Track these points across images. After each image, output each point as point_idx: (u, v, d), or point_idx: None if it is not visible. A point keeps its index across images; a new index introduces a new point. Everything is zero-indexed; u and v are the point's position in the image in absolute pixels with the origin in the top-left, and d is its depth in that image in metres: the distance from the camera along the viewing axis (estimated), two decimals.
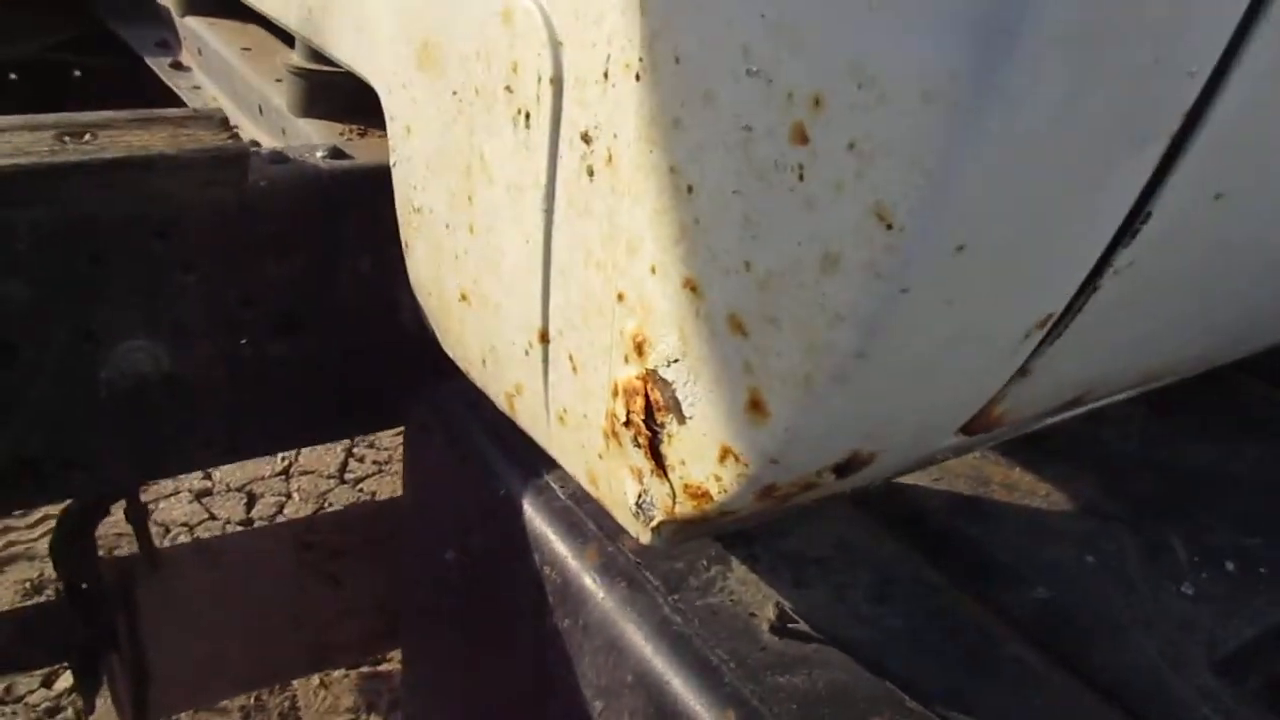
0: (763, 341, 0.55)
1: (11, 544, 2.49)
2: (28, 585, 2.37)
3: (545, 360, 0.76)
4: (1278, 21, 0.50)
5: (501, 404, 0.87)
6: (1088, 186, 0.50)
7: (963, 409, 0.63)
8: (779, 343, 0.54)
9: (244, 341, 1.06)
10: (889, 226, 0.47)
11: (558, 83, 0.68)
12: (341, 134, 1.23)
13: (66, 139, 0.99)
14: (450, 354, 0.94)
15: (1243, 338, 0.91)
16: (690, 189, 0.58)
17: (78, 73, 1.92)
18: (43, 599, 2.21)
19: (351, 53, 1.00)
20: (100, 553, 1.48)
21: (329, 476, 2.62)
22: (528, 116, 0.71)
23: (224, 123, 1.05)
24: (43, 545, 2.29)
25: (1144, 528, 0.95)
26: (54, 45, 1.85)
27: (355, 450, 2.76)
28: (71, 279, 0.96)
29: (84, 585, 1.41)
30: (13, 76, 1.87)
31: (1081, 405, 0.78)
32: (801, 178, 0.50)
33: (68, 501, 1.37)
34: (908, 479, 0.96)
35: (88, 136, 1.00)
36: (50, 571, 1.68)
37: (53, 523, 1.46)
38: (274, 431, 1.13)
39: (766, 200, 0.53)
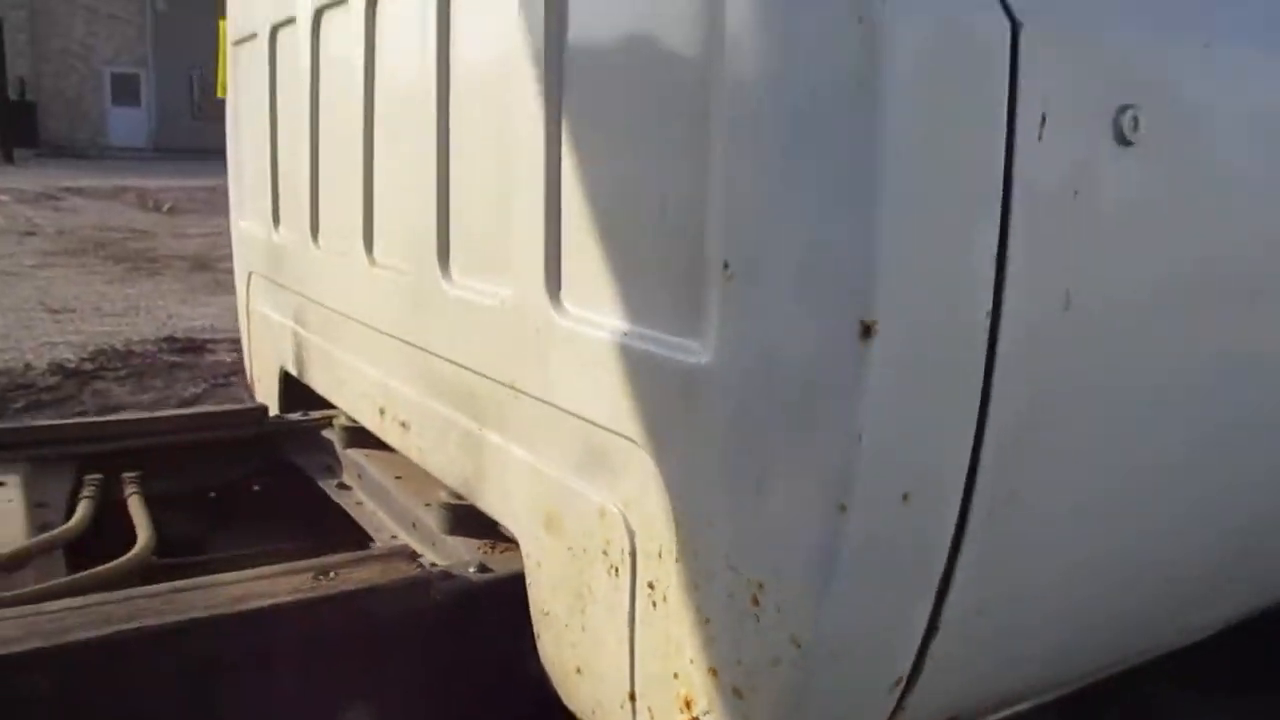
0: (751, 703, 1.07)
1: None
2: None
3: (633, 712, 1.27)
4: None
5: None
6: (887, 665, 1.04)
7: None
8: (757, 705, 1.06)
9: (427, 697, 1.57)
10: (798, 647, 1.00)
11: (634, 554, 1.24)
12: (479, 548, 1.79)
13: (319, 577, 1.56)
14: (569, 706, 1.45)
15: (1088, 670, 1.39)
16: (708, 620, 1.11)
17: (256, 487, 2.55)
18: None
19: (498, 512, 1.58)
20: None
21: None
22: (617, 570, 1.27)
23: (413, 555, 1.63)
24: None
25: None
26: (245, 471, 2.50)
27: None
28: (319, 671, 1.50)
29: None
30: (212, 494, 2.51)
31: None
32: (758, 621, 1.04)
33: None
34: None
35: (331, 574, 1.57)
36: None
37: None
38: None
39: (743, 636, 1.06)
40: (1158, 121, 1.05)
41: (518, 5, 1.38)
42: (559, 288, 1.36)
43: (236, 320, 7.49)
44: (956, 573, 1.04)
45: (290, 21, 2.38)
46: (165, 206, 15.35)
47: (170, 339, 7.06)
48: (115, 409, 5.19)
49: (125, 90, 31.95)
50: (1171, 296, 1.12)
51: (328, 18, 2.18)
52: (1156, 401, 1.15)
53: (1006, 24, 0.94)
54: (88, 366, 6.31)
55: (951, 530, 1.03)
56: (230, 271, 10.42)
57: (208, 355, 6.45)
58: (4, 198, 16.70)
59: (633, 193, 1.19)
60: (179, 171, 22.66)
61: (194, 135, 29.74)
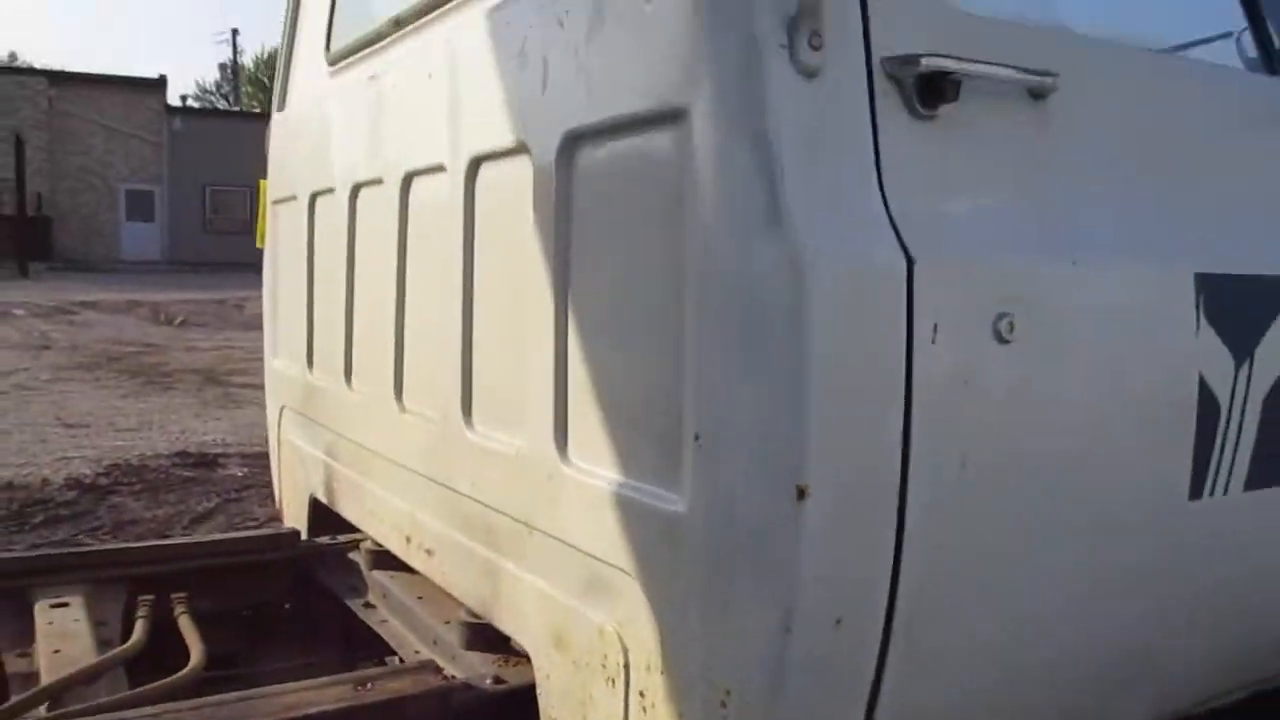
0: None
1: None
2: None
3: None
4: None
5: None
6: None
7: None
8: None
9: None
10: None
11: (627, 667, 1.50)
12: (494, 661, 2.04)
13: (359, 688, 1.81)
14: None
15: None
16: (682, 717, 1.37)
17: (289, 605, 2.80)
18: None
19: (513, 630, 1.85)
20: None
21: None
22: (614, 681, 1.53)
23: (439, 670, 1.88)
24: None
25: None
26: (279, 591, 2.75)
27: None
28: None
29: None
30: (248, 612, 2.76)
31: None
32: (725, 705, 1.31)
33: None
34: None
35: (369, 684, 1.82)
36: None
37: None
38: None
39: None
40: (1029, 324, 1.35)
41: (531, 209, 1.71)
42: (566, 443, 1.66)
43: (247, 434, 7.74)
44: (884, 681, 1.31)
45: (329, 191, 2.73)
46: (177, 320, 15.75)
47: (183, 454, 7.21)
48: (131, 523, 5.38)
49: (140, 206, 32.96)
50: (1047, 456, 1.42)
51: (365, 193, 2.53)
52: (1042, 539, 1.43)
53: (903, 260, 1.26)
54: (103, 481, 6.44)
55: (877, 647, 1.30)
56: (240, 385, 10.69)
57: (220, 470, 6.65)
58: (19, 311, 17.06)
59: (625, 374, 1.50)
60: (190, 285, 23.23)
61: (206, 249, 30.61)
